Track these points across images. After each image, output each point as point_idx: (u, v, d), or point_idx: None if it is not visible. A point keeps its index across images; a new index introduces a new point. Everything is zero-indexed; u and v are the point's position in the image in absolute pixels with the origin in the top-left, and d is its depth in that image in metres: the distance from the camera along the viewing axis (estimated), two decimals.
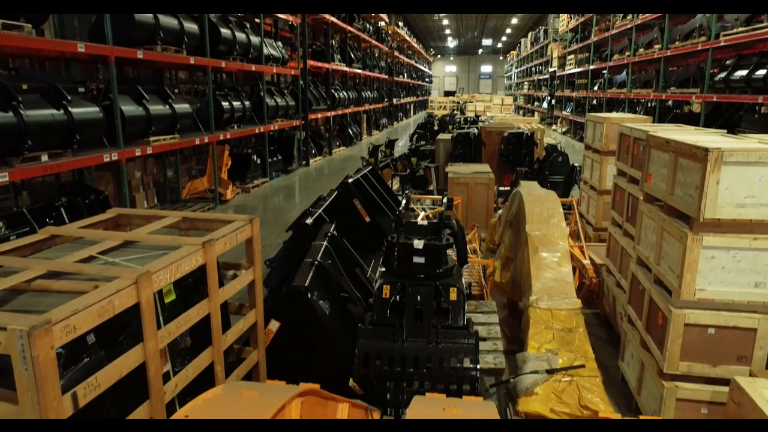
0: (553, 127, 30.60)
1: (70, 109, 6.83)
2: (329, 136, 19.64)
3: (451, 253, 3.96)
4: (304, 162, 16.80)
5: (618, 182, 5.32)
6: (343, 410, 2.75)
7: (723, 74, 10.97)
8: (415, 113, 47.14)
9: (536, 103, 38.44)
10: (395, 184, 12.14)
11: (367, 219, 7.18)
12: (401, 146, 19.22)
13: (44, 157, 6.59)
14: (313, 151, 17.79)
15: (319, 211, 6.15)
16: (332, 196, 6.85)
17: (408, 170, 12.31)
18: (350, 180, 7.23)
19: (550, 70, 32.53)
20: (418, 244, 3.70)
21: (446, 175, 8.88)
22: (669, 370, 3.46)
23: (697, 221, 3.21)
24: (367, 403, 3.14)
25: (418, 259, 3.74)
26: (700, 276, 3.29)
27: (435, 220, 4.11)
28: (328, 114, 19.04)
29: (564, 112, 28.57)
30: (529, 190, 5.20)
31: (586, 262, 5.76)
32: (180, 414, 1.70)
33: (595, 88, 22.99)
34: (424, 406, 2.00)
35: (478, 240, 7.55)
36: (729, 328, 3.33)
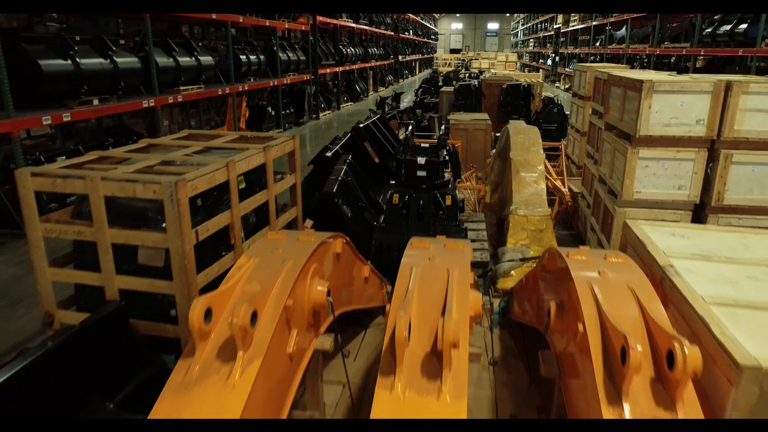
0: (557, 83, 31.05)
1: (115, 58, 7.75)
2: (337, 92, 20.39)
3: (447, 170, 4.97)
4: (314, 115, 17.65)
5: (592, 120, 6.27)
6: (366, 270, 3.80)
7: (710, 29, 11.67)
8: (420, 71, 47.31)
9: (541, 61, 38.67)
10: (401, 134, 13.05)
11: (377, 160, 8.17)
12: (407, 102, 19.97)
13: (95, 101, 7.56)
14: (323, 105, 18.60)
15: (336, 147, 7.13)
16: (346, 137, 7.82)
17: (413, 121, 13.20)
18: (361, 125, 8.18)
19: (555, 26, 32.71)
20: (421, 160, 4.70)
21: (448, 123, 9.78)
22: None
23: (635, 138, 4.19)
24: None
25: (421, 173, 4.75)
26: (637, 181, 4.30)
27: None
28: (336, 69, 19.73)
29: (567, 69, 29.01)
30: (516, 125, 6.16)
31: (565, 190, 6.77)
32: (273, 234, 2.74)
33: (597, 44, 23.44)
34: (418, 242, 3.00)
35: (475, 179, 8.54)
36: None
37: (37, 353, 2.41)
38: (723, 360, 1.73)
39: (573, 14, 28.34)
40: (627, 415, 1.68)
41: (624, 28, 19.49)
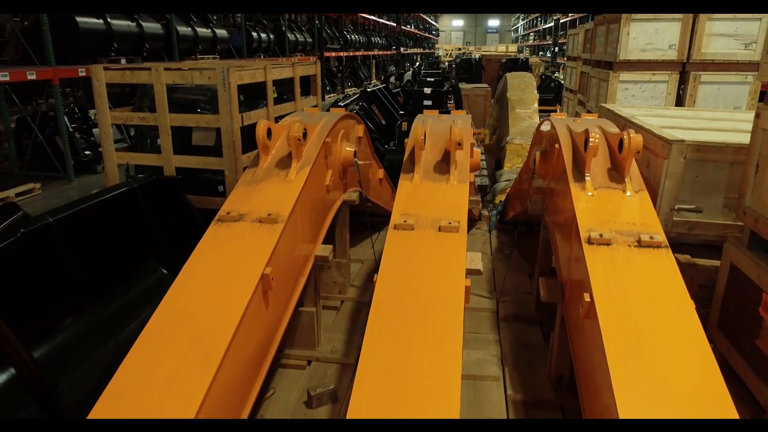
0: (556, 74, 31.59)
1: (141, 22, 8.33)
2: (341, 76, 20.95)
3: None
4: None
5: (583, 69, 6.84)
6: (380, 172, 4.37)
7: None
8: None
9: (541, 53, 39.20)
10: None
11: (383, 122, 8.75)
12: None
13: (123, 60, 8.14)
14: (327, 88, 19.16)
15: (348, 101, 7.72)
16: (355, 96, 8.41)
17: None
18: (369, 89, 8.77)
19: (554, 17, 33.27)
20: (427, 90, 5.29)
21: None
22: None
23: (615, 63, 4.77)
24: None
25: (427, 102, 5.33)
26: (618, 103, 4.87)
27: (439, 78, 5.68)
28: (341, 54, 20.32)
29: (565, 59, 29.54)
30: (512, 73, 6.74)
31: None
32: (307, 108, 3.31)
33: None
34: (428, 111, 3.55)
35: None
36: None
37: (110, 193, 2.95)
38: (660, 146, 2.31)
39: None
40: (588, 187, 2.25)
41: None
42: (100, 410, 1.58)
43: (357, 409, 1.53)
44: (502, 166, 5.64)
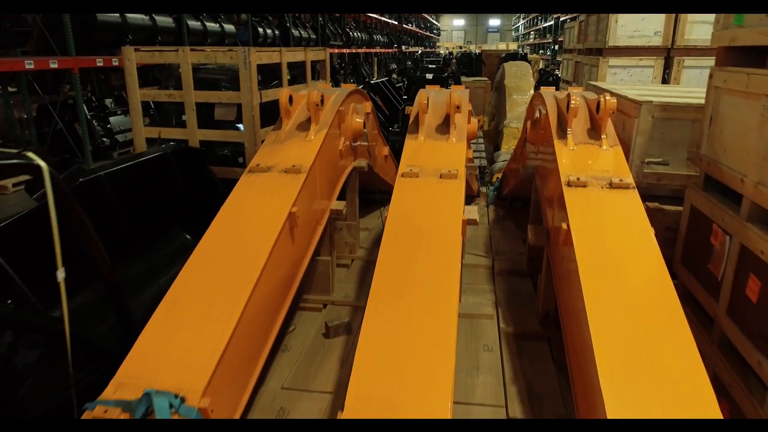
0: (556, 71, 31.91)
1: (154, 16, 8.69)
2: (344, 73, 21.29)
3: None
4: None
5: (577, 59, 7.18)
6: (386, 149, 4.71)
7: None
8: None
9: (541, 51, 39.53)
10: None
11: (387, 112, 9.10)
12: None
13: None
14: (331, 84, 19.51)
15: None
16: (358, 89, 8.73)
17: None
18: (372, 82, 9.12)
19: (554, 15, 33.59)
20: (429, 75, 5.63)
21: None
22: None
23: (605, 49, 5.11)
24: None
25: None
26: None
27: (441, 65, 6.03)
28: (343, 51, 20.65)
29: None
30: (510, 62, 7.09)
31: None
32: (320, 84, 3.65)
33: None
34: (429, 86, 3.89)
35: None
36: None
37: (148, 155, 3.30)
38: (632, 108, 2.65)
39: None
40: (570, 143, 2.59)
41: None
42: (161, 314, 1.92)
43: (372, 315, 1.86)
44: (500, 149, 5.98)
